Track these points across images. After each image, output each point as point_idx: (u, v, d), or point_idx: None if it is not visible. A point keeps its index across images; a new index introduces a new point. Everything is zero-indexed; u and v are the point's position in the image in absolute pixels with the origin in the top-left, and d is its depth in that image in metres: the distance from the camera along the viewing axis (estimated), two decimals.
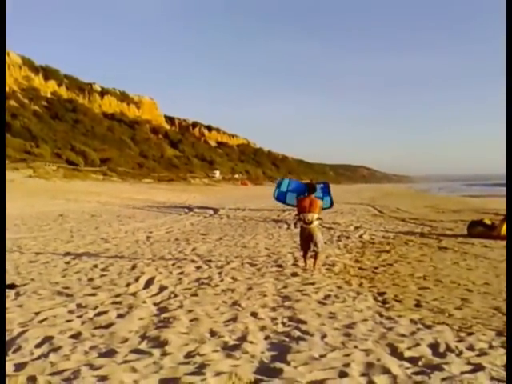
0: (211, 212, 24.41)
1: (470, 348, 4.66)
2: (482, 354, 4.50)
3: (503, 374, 4.02)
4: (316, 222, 8.92)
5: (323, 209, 9.65)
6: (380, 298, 6.75)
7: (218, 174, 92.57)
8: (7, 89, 76.41)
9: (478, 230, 14.13)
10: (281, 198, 10.20)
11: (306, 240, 8.93)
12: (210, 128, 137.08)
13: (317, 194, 9.52)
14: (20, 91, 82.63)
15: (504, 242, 12.47)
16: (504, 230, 13.48)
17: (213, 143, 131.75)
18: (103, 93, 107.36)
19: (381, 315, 5.87)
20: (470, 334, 5.12)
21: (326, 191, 10.13)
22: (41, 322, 5.46)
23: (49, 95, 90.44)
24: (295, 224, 9.23)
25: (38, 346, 4.66)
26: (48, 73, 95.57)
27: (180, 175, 79.96)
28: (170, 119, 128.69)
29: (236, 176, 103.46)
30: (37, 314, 5.74)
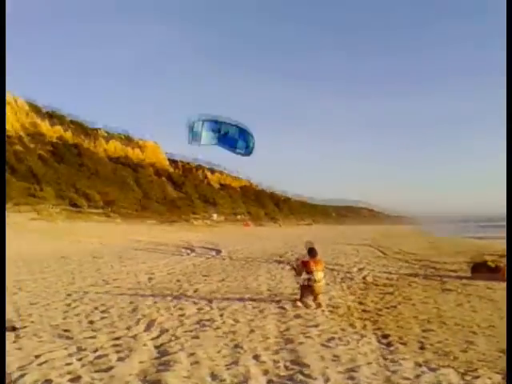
0: (213, 253, 24.30)
1: None
2: None
3: None
4: (324, 281, 9.70)
5: (239, 154, 9.83)
6: (384, 341, 6.66)
7: (215, 216, 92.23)
8: (13, 133, 77.56)
9: (482, 271, 14.04)
10: (196, 137, 9.91)
11: (312, 293, 9.48)
12: (212, 170, 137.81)
13: (233, 135, 9.72)
14: (26, 136, 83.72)
15: None
16: None
17: (215, 185, 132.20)
18: (108, 137, 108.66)
19: (385, 358, 5.79)
20: (476, 377, 5.03)
21: (244, 135, 9.92)
22: (40, 364, 5.40)
23: (54, 140, 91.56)
24: (297, 274, 9.87)
25: None
26: (54, 118, 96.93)
27: (182, 216, 79.99)
28: (173, 162, 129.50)
29: (238, 217, 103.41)
30: (37, 356, 5.68)
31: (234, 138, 9.97)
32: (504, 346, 6.37)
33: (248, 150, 10.27)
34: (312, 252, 9.80)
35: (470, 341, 6.66)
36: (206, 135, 9.88)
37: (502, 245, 31.15)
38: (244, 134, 10.11)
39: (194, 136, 9.98)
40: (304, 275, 9.60)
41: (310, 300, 9.54)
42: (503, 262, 14.32)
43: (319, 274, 9.46)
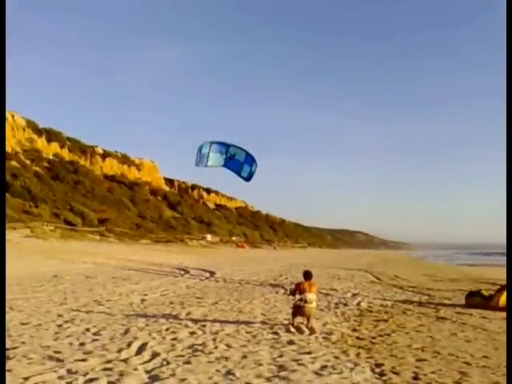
0: (207, 275, 24.17)
1: None
2: None
3: None
4: (315, 303, 9.62)
5: (242, 178, 9.92)
6: (377, 370, 6.61)
7: (209, 237, 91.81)
8: (10, 150, 77.51)
9: (476, 300, 14.01)
10: (202, 159, 9.98)
11: (302, 314, 9.56)
12: (208, 190, 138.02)
13: (240, 158, 9.77)
14: (22, 152, 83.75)
15: (503, 314, 12.32)
16: (502, 301, 13.35)
17: (211, 205, 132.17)
18: (105, 155, 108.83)
19: None
20: None
21: (250, 160, 9.98)
22: None
23: (51, 157, 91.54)
24: (291, 294, 9.94)
25: None
26: (51, 135, 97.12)
27: (177, 237, 79.63)
28: (169, 181, 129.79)
29: (234, 238, 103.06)
30: (26, 379, 5.61)
31: (240, 161, 10.05)
32: (497, 378, 6.34)
33: (250, 176, 10.36)
34: (308, 275, 9.85)
35: (464, 372, 6.61)
36: (214, 157, 9.99)
37: (495, 273, 31.12)
38: (249, 159, 10.20)
39: (201, 158, 10.09)
40: (296, 296, 9.68)
41: (303, 325, 9.50)
42: (497, 290, 14.29)
43: (311, 296, 9.48)
